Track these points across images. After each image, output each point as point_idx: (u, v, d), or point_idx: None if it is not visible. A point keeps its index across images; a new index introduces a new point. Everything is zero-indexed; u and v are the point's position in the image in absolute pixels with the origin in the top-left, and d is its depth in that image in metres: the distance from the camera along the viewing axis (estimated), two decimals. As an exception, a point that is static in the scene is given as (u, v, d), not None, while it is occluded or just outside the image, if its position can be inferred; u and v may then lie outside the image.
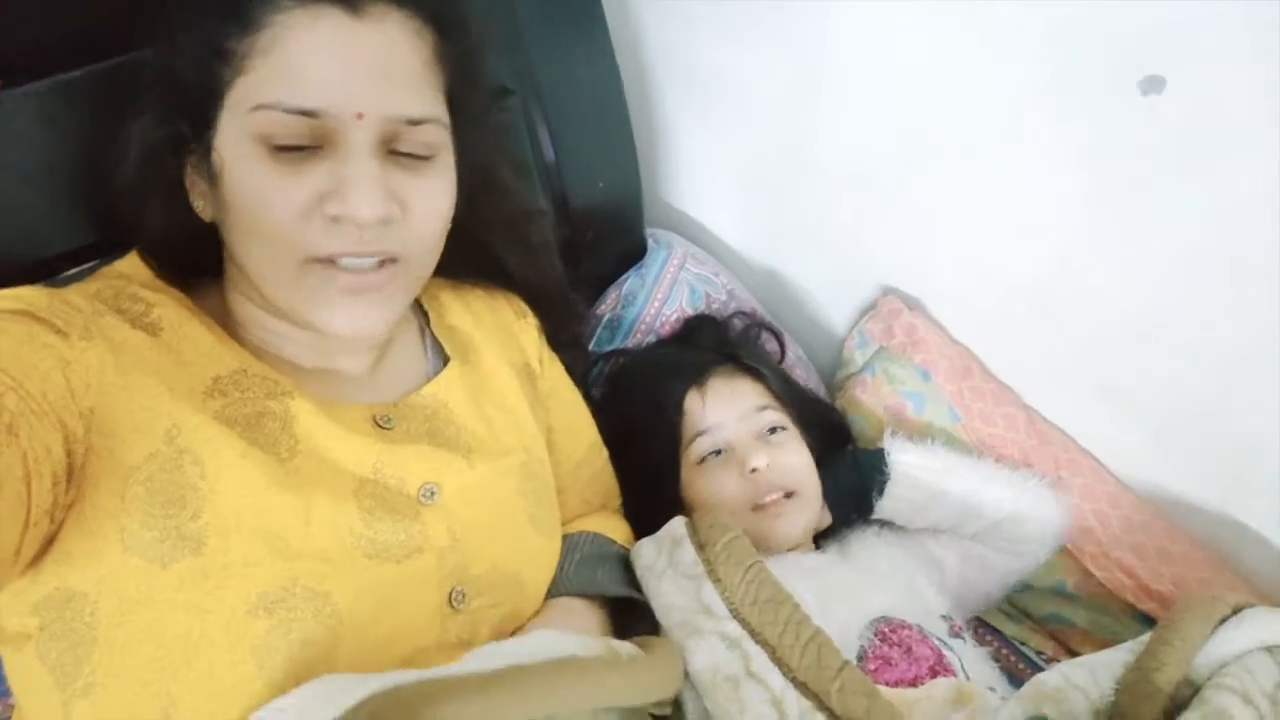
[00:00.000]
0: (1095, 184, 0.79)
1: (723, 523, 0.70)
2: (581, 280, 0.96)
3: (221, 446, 0.56)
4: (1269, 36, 0.65)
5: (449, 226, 0.65)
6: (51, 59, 0.64)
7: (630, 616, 0.73)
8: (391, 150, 0.59)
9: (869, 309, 1.02)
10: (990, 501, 0.83)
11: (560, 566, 0.72)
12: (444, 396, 0.69)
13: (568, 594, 0.70)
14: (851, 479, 0.86)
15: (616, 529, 0.81)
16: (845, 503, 0.86)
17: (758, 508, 0.81)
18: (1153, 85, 0.74)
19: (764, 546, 0.80)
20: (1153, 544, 0.81)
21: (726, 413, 0.84)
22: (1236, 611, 0.60)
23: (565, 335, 0.86)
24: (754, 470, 0.81)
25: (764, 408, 0.86)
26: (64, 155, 0.65)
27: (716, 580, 0.65)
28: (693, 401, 0.85)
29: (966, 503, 0.83)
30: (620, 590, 0.72)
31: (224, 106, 0.57)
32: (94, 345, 0.55)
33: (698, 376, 0.86)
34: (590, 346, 0.99)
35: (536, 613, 0.69)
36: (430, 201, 0.61)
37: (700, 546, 0.68)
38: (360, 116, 0.56)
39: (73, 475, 0.52)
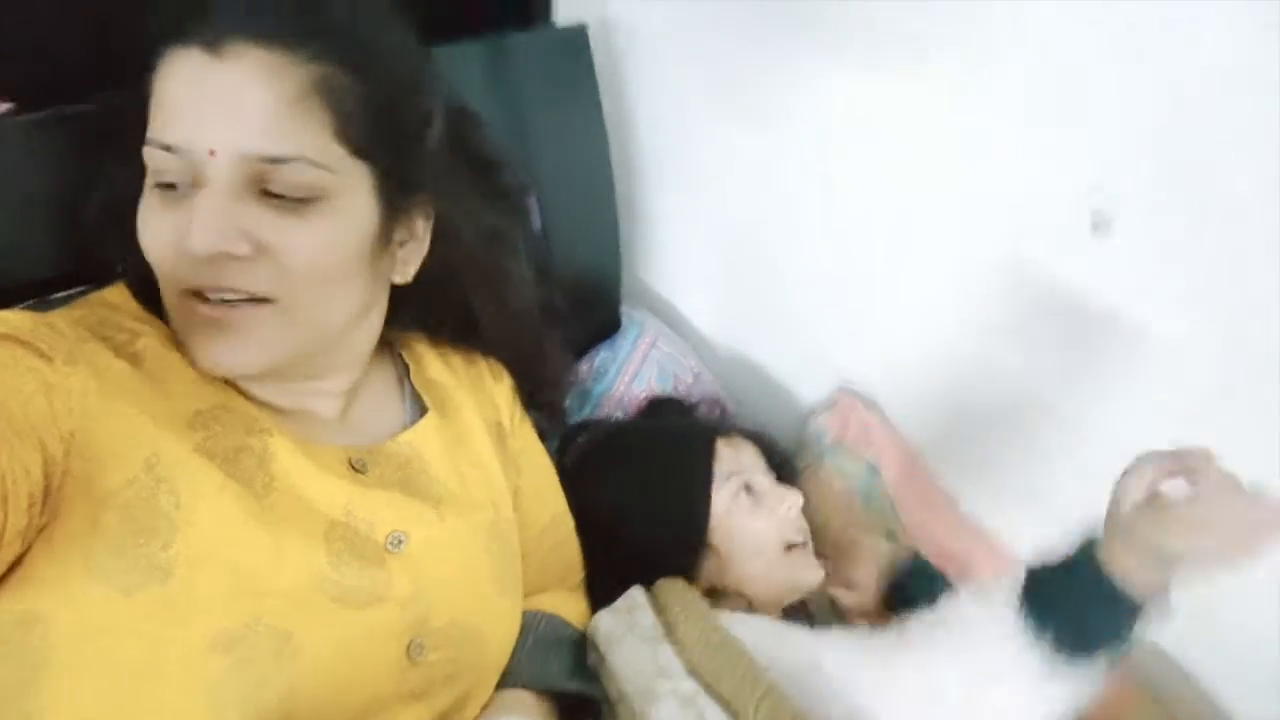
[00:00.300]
0: (1050, 296, 0.84)
1: (680, 586, 0.71)
2: (559, 345, 0.97)
3: (200, 478, 0.56)
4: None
5: (346, 275, 0.63)
6: (64, 86, 0.65)
7: (580, 710, 0.73)
8: (264, 191, 0.58)
9: (828, 403, 1.06)
10: None
11: (514, 650, 0.72)
12: (419, 446, 0.70)
13: (519, 685, 0.70)
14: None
15: (573, 610, 0.81)
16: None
17: (790, 548, 0.84)
18: (1101, 221, 0.79)
19: (794, 590, 0.85)
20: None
21: (750, 459, 0.89)
22: None
23: (543, 397, 0.87)
24: (789, 508, 0.85)
25: (768, 467, 0.90)
26: (69, 182, 0.66)
27: (675, 641, 0.66)
28: (724, 447, 0.88)
29: None
30: (570, 686, 0.72)
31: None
32: (77, 370, 0.54)
33: (721, 431, 0.90)
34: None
35: (491, 690, 0.68)
36: (302, 242, 0.59)
37: (659, 610, 0.70)
38: (212, 153, 0.56)
39: (49, 498, 0.51)
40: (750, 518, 0.85)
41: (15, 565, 0.51)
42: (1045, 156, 0.80)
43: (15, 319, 0.56)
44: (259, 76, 0.57)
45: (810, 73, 0.94)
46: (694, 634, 0.66)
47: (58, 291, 0.68)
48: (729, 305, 1.16)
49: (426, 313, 0.77)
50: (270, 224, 0.58)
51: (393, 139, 0.63)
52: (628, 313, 1.10)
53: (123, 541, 0.52)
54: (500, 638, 0.70)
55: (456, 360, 0.81)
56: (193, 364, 0.60)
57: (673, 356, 1.07)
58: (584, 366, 1.03)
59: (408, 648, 0.62)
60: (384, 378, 0.75)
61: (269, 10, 0.58)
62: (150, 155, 0.57)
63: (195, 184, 0.57)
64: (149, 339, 0.61)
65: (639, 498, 0.86)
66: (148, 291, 0.64)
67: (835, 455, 1.02)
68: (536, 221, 0.98)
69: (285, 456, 0.61)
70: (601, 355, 1.04)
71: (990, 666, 0.63)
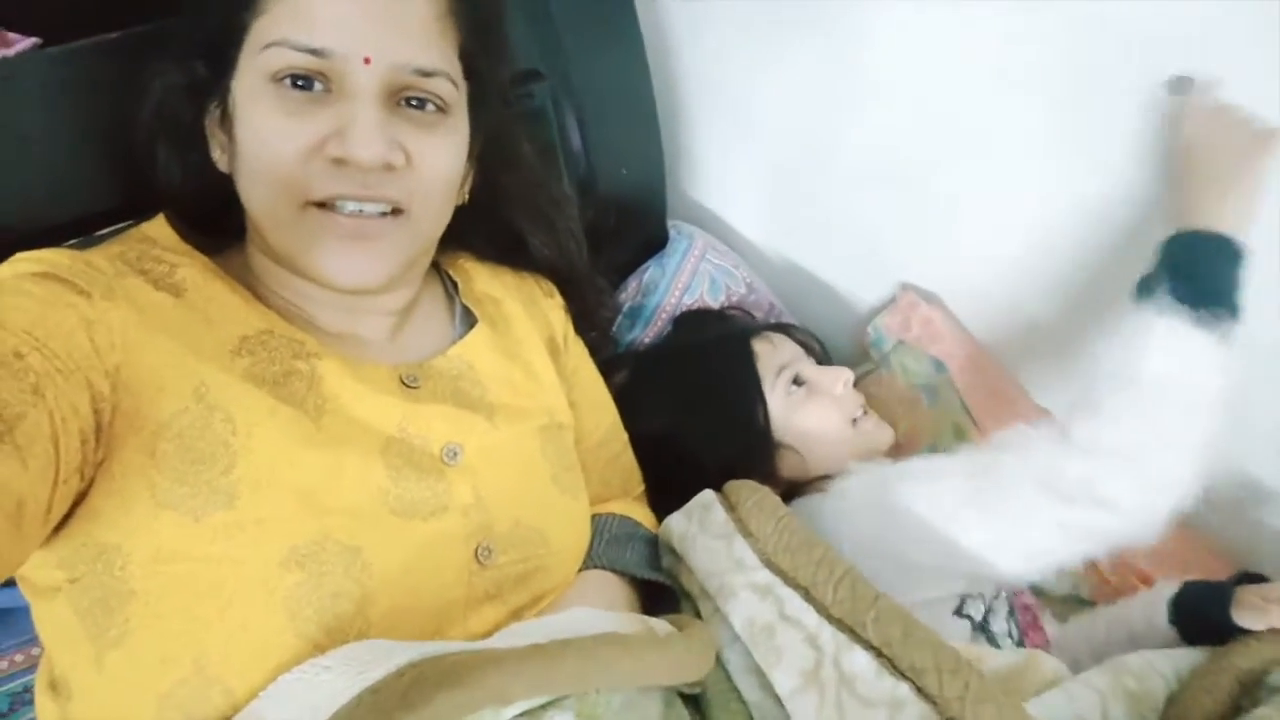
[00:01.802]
0: (1116, 184, 0.80)
1: (749, 484, 0.71)
2: (603, 267, 0.97)
3: (252, 404, 0.57)
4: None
5: (457, 187, 0.66)
6: (89, 20, 0.66)
7: (656, 601, 0.73)
8: (402, 101, 0.60)
9: (887, 303, 1.03)
10: None
11: (590, 544, 0.73)
12: (470, 358, 0.70)
13: (599, 568, 0.71)
14: None
15: (641, 514, 0.82)
16: None
17: (855, 421, 0.86)
18: (1181, 86, 0.75)
19: (876, 451, 0.87)
20: (1172, 552, 0.81)
21: (791, 351, 0.89)
22: None
23: (592, 319, 0.87)
24: (845, 384, 0.87)
25: (810, 355, 0.91)
26: (98, 116, 0.67)
27: (748, 534, 0.66)
28: (762, 345, 0.88)
29: None
30: (646, 572, 0.72)
31: (242, 50, 0.59)
32: (117, 305, 0.55)
33: (754, 332, 0.91)
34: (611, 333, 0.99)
35: (568, 585, 0.69)
36: (437, 156, 0.62)
37: (730, 508, 0.69)
38: (367, 61, 0.57)
39: (101, 433, 0.53)
40: (810, 407, 0.86)
41: (80, 501, 0.53)
42: (1114, 26, 0.75)
43: (53, 256, 0.57)
44: None
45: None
46: (768, 526, 0.65)
47: (99, 229, 0.69)
48: (779, 213, 1.13)
49: (475, 233, 0.77)
50: (412, 135, 0.60)
51: (487, 60, 0.66)
52: (676, 226, 1.08)
53: (183, 469, 0.54)
54: (567, 536, 0.70)
55: (507, 275, 0.81)
56: (319, 279, 0.61)
57: (723, 268, 1.05)
58: (633, 283, 1.02)
59: (475, 552, 0.63)
60: (432, 296, 0.75)
61: None
62: (284, 56, 0.56)
63: (336, 90, 0.57)
64: (188, 269, 0.61)
65: (692, 419, 0.87)
66: (190, 219, 0.65)
67: (898, 354, 0.99)
68: (576, 140, 0.97)
69: (334, 379, 0.61)
70: (651, 271, 1.02)
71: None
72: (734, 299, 1.03)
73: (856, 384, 1.02)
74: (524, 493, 0.68)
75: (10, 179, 0.66)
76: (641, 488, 0.88)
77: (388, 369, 0.65)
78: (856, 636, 0.56)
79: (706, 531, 0.69)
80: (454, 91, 0.62)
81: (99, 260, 0.58)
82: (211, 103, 0.62)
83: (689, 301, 1.01)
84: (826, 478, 0.84)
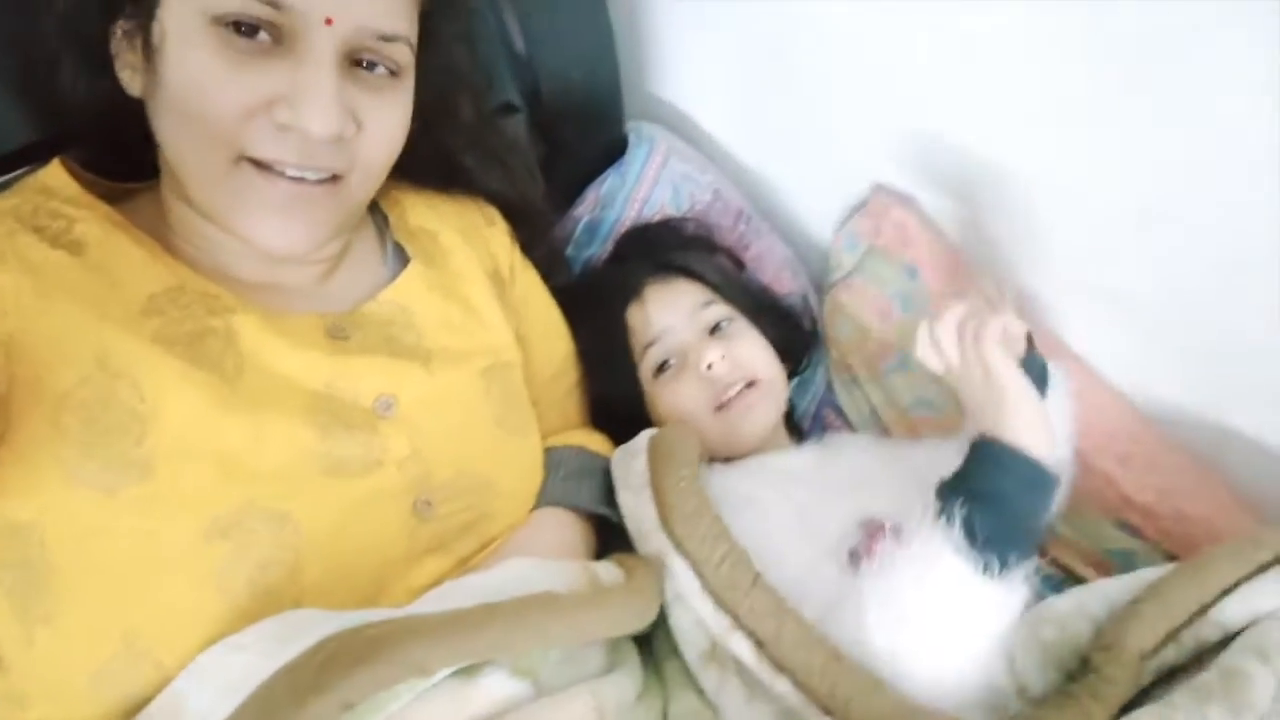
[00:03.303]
0: (1095, 77, 0.73)
1: (674, 429, 0.69)
2: (559, 180, 0.92)
3: (160, 368, 0.54)
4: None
5: (400, 149, 0.62)
6: None
7: (616, 531, 0.72)
8: (354, 63, 0.56)
9: (859, 206, 0.98)
10: None
11: (544, 481, 0.71)
12: (403, 300, 0.67)
13: (552, 505, 0.70)
14: None
15: (602, 444, 0.80)
16: None
17: (721, 407, 0.79)
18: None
19: (737, 444, 0.79)
20: (1140, 453, 0.79)
21: (671, 317, 0.82)
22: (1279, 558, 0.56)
23: (538, 246, 0.83)
24: (709, 367, 0.79)
25: (707, 303, 0.84)
26: None
27: (655, 489, 0.64)
28: (635, 315, 0.83)
29: None
30: (600, 509, 0.71)
31: None
32: (7, 269, 0.52)
33: (634, 289, 0.84)
34: (569, 250, 0.95)
35: (519, 528, 0.68)
36: (387, 123, 0.59)
37: (651, 458, 0.68)
38: (329, 22, 0.53)
39: None
40: (672, 386, 0.80)
41: None
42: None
43: None
44: None
45: None
46: (667, 483, 0.63)
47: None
48: (749, 112, 1.05)
49: (412, 164, 0.72)
50: (363, 102, 0.56)
51: (447, 19, 0.64)
52: (636, 128, 1.01)
53: (91, 442, 0.51)
54: (515, 479, 0.69)
55: (444, 205, 0.77)
56: (247, 240, 0.58)
57: (687, 175, 0.99)
58: (590, 195, 0.97)
59: (414, 506, 0.61)
60: (363, 235, 0.71)
61: None
62: (235, 1, 0.51)
63: (288, 46, 0.53)
64: (88, 224, 0.57)
65: (586, 366, 0.85)
66: (95, 154, 0.61)
67: (870, 260, 0.95)
68: (519, 43, 0.90)
69: (253, 335, 0.58)
70: (609, 181, 0.97)
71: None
72: (698, 207, 0.98)
73: (830, 290, 0.99)
74: (466, 439, 0.66)
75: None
76: None
77: (313, 319, 0.62)
78: (737, 622, 0.55)
79: (625, 482, 0.68)
80: (409, 55, 0.59)
81: None
82: (121, 16, 0.56)
83: (650, 214, 0.96)
84: None
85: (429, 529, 0.62)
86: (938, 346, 0.64)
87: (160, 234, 0.61)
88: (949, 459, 0.76)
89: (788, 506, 0.71)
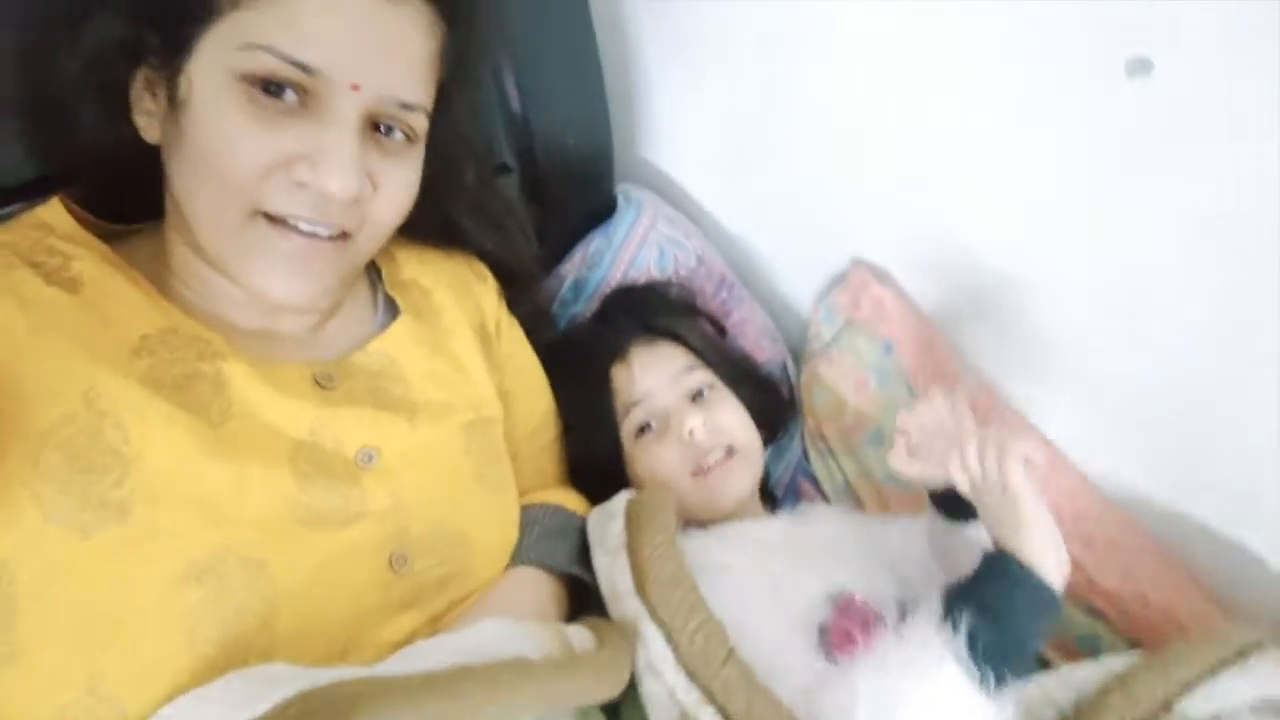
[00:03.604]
0: (1074, 164, 0.77)
1: (653, 493, 0.69)
2: (547, 238, 0.93)
3: (146, 410, 0.54)
4: (1261, 16, 0.63)
5: (408, 211, 0.64)
6: None
7: (589, 592, 0.72)
8: (373, 127, 0.58)
9: (839, 279, 1.00)
10: None
11: (520, 539, 0.71)
12: (391, 352, 0.68)
13: (527, 564, 0.70)
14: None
15: (578, 503, 0.80)
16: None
17: (699, 472, 0.80)
18: (1140, 68, 0.71)
19: (714, 510, 0.80)
20: (1105, 536, 0.81)
21: (654, 380, 0.83)
22: (1242, 654, 0.58)
23: (525, 303, 0.84)
24: (690, 432, 0.79)
25: (690, 368, 0.85)
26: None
27: (631, 553, 0.64)
28: (619, 375, 0.84)
29: None
30: (575, 570, 0.71)
31: (209, 33, 0.54)
32: (2, 303, 0.52)
33: (619, 349, 0.84)
34: (555, 308, 0.97)
35: (493, 586, 0.67)
36: (400, 186, 0.61)
37: (627, 521, 0.68)
38: (356, 87, 0.55)
39: None
40: (653, 449, 0.81)
41: None
42: (1076, 5, 0.71)
43: None
44: (419, 27, 0.58)
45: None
46: (645, 549, 0.64)
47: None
48: (734, 181, 1.08)
49: (408, 219, 0.74)
50: (379, 165, 0.58)
51: (462, 92, 0.66)
52: (625, 192, 1.04)
53: (69, 480, 0.51)
54: (491, 535, 0.68)
55: (436, 260, 0.77)
56: (252, 290, 0.59)
57: (673, 238, 1.01)
58: (578, 254, 0.98)
59: (390, 560, 0.61)
60: (356, 286, 0.72)
61: None
62: (267, 64, 0.53)
63: (312, 108, 0.54)
64: (85, 262, 0.57)
65: (568, 423, 0.85)
66: (100, 195, 0.61)
67: (849, 333, 0.97)
68: (516, 104, 0.92)
69: (241, 381, 0.58)
70: (596, 242, 0.99)
71: None
72: (683, 271, 1.00)
73: (808, 360, 1.01)
74: (445, 495, 0.66)
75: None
76: None
77: (301, 368, 0.62)
78: (710, 696, 0.55)
79: (600, 544, 0.68)
80: (425, 123, 0.61)
81: None
82: (145, 65, 0.57)
83: (635, 274, 0.98)
84: None
85: (404, 584, 0.61)
86: (967, 468, 0.64)
87: (157, 275, 0.61)
88: (919, 538, 0.78)
89: (762, 576, 0.71)
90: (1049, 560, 0.61)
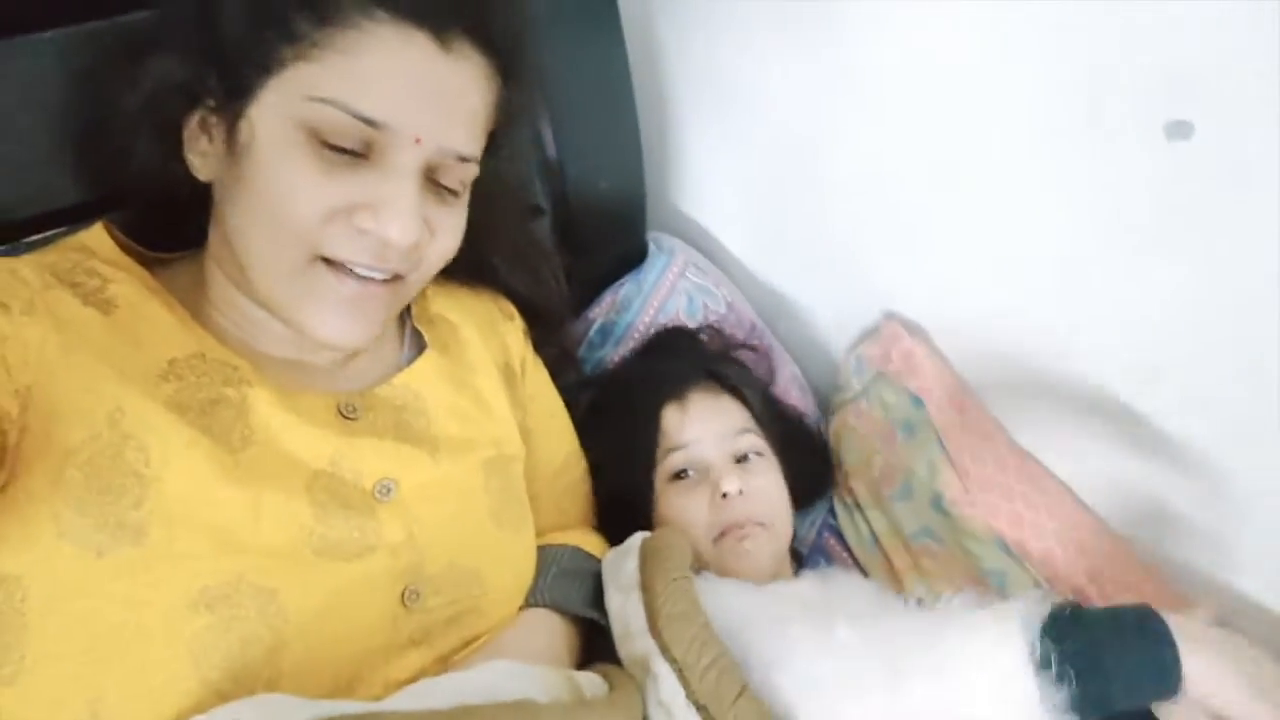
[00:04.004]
0: (1110, 223, 0.76)
1: (668, 533, 0.68)
2: (576, 282, 0.94)
3: (169, 433, 0.54)
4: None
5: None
6: (42, 14, 0.63)
7: (603, 635, 0.70)
8: (429, 179, 0.59)
9: (870, 332, 0.99)
10: None
11: (536, 579, 0.70)
12: (416, 386, 0.68)
13: (542, 606, 0.68)
14: None
15: (597, 545, 0.79)
16: None
17: (723, 536, 0.78)
18: (1179, 131, 0.70)
19: (728, 573, 0.76)
20: (1111, 571, 0.80)
21: (706, 431, 0.82)
22: None
23: (552, 345, 0.84)
24: (725, 495, 0.78)
25: (745, 430, 0.83)
26: (45, 112, 0.63)
27: (645, 592, 0.63)
28: (671, 416, 0.82)
29: None
30: (590, 613, 0.69)
31: (272, 81, 0.55)
32: (36, 320, 0.52)
33: (679, 390, 0.83)
34: (581, 351, 0.97)
35: (506, 624, 0.66)
36: (450, 234, 0.63)
37: (642, 560, 0.67)
38: (418, 141, 0.56)
39: (5, 456, 0.50)
40: (685, 496, 0.79)
41: None
42: (1116, 67, 0.71)
43: None
44: (478, 82, 0.59)
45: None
46: (659, 584, 0.62)
47: (53, 227, 0.66)
48: (765, 231, 1.09)
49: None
50: (434, 212, 0.59)
51: (510, 141, 0.68)
52: (656, 239, 1.04)
53: (87, 500, 0.51)
54: (504, 575, 0.67)
55: (465, 296, 0.78)
56: (307, 332, 0.59)
57: (703, 286, 1.01)
58: (608, 298, 0.99)
59: (402, 595, 0.60)
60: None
61: (496, 18, 0.59)
62: (333, 118, 0.54)
63: (375, 159, 0.56)
64: (121, 285, 0.58)
65: (604, 463, 0.84)
66: (144, 225, 0.62)
67: (877, 386, 0.95)
68: (551, 149, 0.93)
69: (265, 409, 0.59)
70: (627, 287, 0.99)
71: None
72: (712, 318, 1.00)
73: (836, 410, 0.99)
74: (461, 532, 0.65)
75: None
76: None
77: (326, 397, 0.63)
78: None
79: (615, 582, 0.67)
80: (476, 172, 0.62)
81: (25, 270, 0.55)
82: (202, 108, 0.58)
83: (664, 320, 0.98)
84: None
85: (414, 620, 0.60)
86: None
87: (193, 303, 0.61)
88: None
89: (778, 639, 0.69)
90: None
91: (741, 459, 0.82)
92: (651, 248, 1.03)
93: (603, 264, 1.00)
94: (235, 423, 0.57)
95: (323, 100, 0.54)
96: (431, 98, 0.56)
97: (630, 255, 1.02)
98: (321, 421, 0.61)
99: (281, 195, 0.55)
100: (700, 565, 0.77)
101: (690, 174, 1.13)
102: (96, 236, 0.61)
